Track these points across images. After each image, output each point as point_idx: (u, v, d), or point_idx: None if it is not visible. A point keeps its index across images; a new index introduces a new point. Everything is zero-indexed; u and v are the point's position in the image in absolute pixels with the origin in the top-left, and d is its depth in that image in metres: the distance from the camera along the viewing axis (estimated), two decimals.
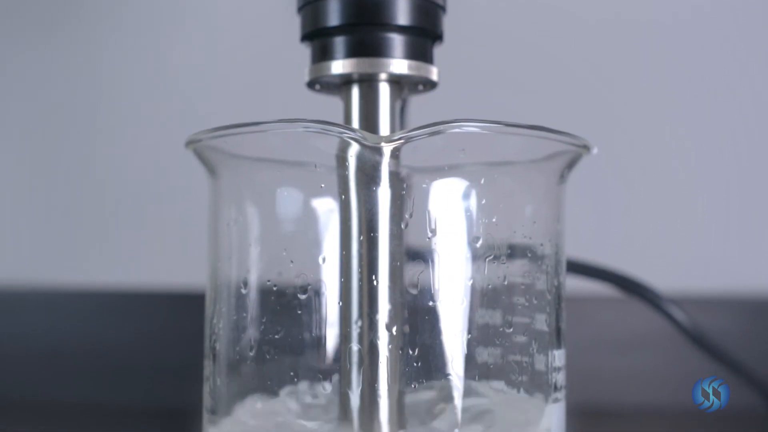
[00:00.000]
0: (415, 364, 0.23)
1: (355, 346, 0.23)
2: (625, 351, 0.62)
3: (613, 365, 0.61)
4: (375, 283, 0.23)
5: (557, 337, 0.26)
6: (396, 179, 0.23)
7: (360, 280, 0.23)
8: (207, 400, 0.26)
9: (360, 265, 0.23)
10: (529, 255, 0.25)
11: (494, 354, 0.25)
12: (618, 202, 0.61)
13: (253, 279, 0.25)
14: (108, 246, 0.68)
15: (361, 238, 0.23)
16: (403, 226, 0.23)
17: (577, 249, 0.34)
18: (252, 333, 0.24)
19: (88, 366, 0.65)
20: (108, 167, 0.66)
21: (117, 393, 0.63)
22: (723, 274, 0.62)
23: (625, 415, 0.60)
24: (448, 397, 0.23)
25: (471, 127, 0.23)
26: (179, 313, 0.54)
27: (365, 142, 0.22)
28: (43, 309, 0.67)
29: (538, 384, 0.25)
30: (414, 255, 0.24)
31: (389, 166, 0.23)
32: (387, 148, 0.23)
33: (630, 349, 0.62)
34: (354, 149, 0.23)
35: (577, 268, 0.37)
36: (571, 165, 0.26)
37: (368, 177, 0.23)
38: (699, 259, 0.63)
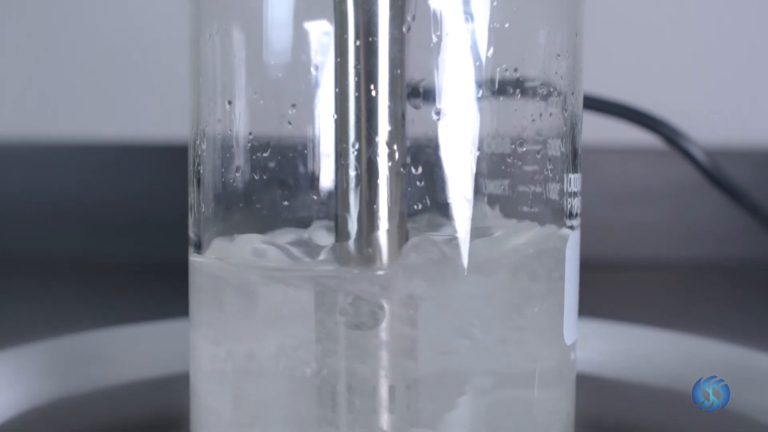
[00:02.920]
0: (417, 183, 0.21)
1: (352, 171, 0.21)
2: (637, 203, 0.60)
3: (625, 218, 0.60)
4: (374, 94, 0.21)
5: (573, 160, 0.24)
6: None
7: (357, 90, 0.21)
8: (191, 231, 0.24)
9: (357, 74, 0.21)
10: (544, 69, 0.23)
11: (503, 181, 0.22)
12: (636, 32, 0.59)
13: (238, 93, 0.22)
14: (100, 97, 0.66)
15: (358, 43, 0.21)
16: (404, 29, 0.21)
17: (590, 83, 0.31)
18: (238, 151, 0.22)
19: (82, 221, 0.64)
20: (95, 13, 0.63)
21: (111, 248, 0.62)
22: (742, 125, 0.60)
23: (637, 267, 0.59)
24: (453, 223, 0.21)
25: None
26: (174, 166, 0.52)
27: None
28: (33, 164, 0.65)
29: (551, 212, 0.23)
30: (418, 92, 0.21)
31: None
32: None
33: (642, 201, 0.60)
34: None
35: (590, 102, 0.35)
36: None
37: None
38: (720, 106, 0.60)
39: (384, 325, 0.21)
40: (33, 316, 0.43)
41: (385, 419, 0.22)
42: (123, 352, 0.34)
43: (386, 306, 0.21)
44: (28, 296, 0.50)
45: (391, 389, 0.22)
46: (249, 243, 0.22)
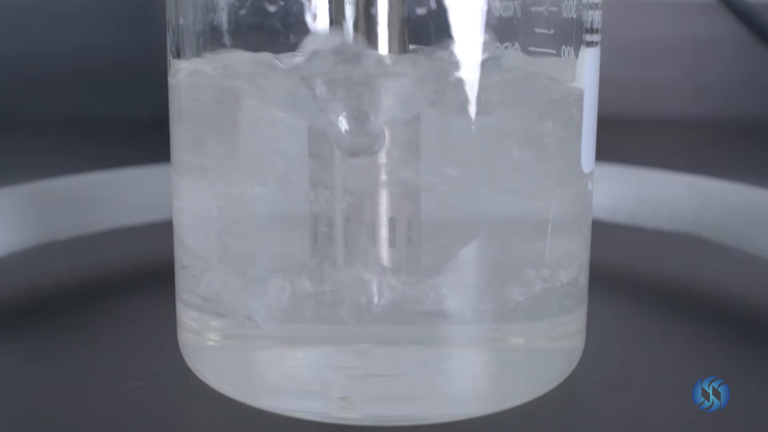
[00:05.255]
0: None
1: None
2: (653, 59, 0.58)
3: (641, 74, 0.58)
4: None
5: None
6: None
7: None
8: (170, 47, 0.22)
9: None
10: None
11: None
12: None
13: None
14: None
15: None
16: None
17: None
18: None
19: (73, 80, 0.61)
20: None
21: (103, 103, 0.60)
22: None
23: (652, 124, 0.57)
24: (461, 32, 0.19)
25: None
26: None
27: None
28: (22, 17, 0.62)
29: (570, 26, 0.21)
30: None
31: None
32: None
33: (658, 57, 0.58)
34: None
35: None
36: None
37: None
38: None
39: (384, 150, 0.19)
40: (15, 164, 0.42)
41: (385, 255, 0.20)
42: (109, 197, 0.33)
43: (385, 128, 0.19)
44: (13, 148, 0.48)
45: (391, 221, 0.20)
46: (234, 51, 0.20)
